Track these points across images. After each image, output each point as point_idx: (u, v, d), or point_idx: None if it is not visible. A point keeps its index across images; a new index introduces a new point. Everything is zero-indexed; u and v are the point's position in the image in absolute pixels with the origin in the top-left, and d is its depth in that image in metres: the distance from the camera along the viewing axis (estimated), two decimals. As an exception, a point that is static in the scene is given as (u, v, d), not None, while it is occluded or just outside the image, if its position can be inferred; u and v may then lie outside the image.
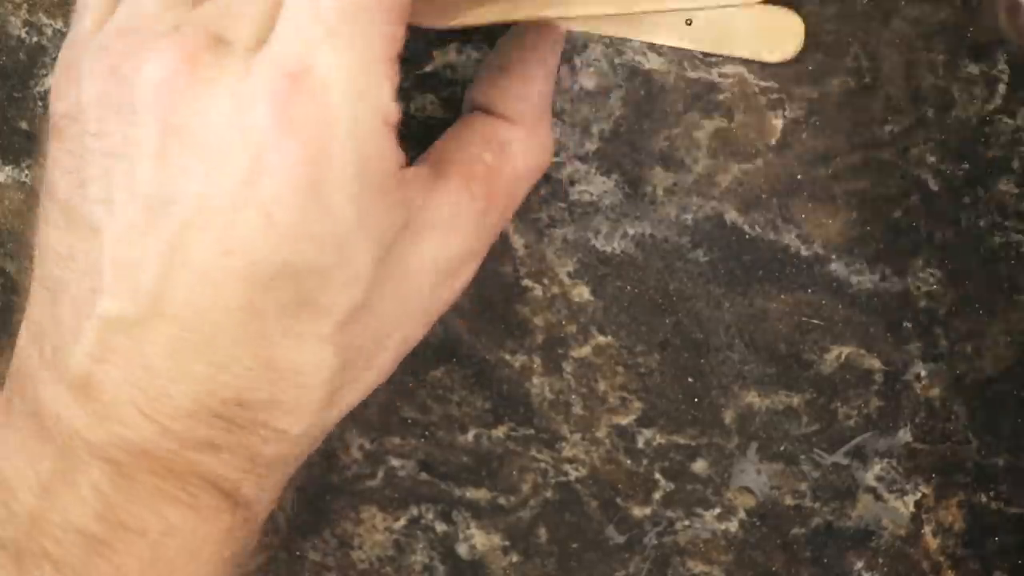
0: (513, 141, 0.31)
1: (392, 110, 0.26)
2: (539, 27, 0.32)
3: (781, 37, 0.34)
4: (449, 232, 0.29)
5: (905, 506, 0.37)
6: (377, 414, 0.37)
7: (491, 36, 0.35)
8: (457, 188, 0.29)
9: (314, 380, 0.27)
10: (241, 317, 0.25)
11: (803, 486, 0.37)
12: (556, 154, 0.36)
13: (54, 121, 0.28)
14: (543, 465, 0.37)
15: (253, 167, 0.25)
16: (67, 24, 0.36)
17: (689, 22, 0.34)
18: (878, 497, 0.37)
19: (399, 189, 0.27)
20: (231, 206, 0.25)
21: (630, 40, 0.35)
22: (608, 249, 0.36)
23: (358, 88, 0.25)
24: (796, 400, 0.37)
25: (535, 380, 0.37)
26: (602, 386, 0.37)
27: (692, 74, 0.35)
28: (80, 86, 0.27)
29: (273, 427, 0.27)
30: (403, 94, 0.35)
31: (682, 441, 0.37)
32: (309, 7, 0.25)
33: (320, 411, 0.27)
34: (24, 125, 0.37)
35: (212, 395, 0.26)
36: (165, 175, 0.25)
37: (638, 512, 0.37)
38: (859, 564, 0.37)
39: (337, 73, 0.25)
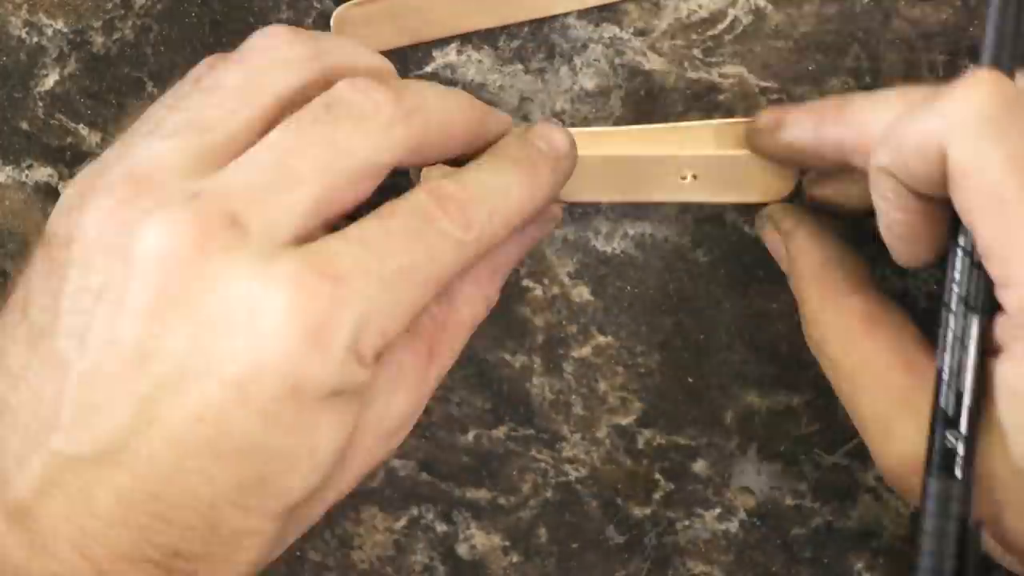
0: (459, 294, 0.31)
1: (372, 358, 0.27)
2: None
3: (774, 180, 0.34)
4: (392, 395, 0.29)
5: (905, 506, 0.37)
6: (377, 414, 0.37)
7: (491, 39, 0.35)
8: (402, 348, 0.29)
9: (250, 544, 0.27)
10: (196, 482, 0.25)
11: (803, 486, 0.37)
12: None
13: (48, 235, 0.27)
14: (543, 465, 0.37)
15: (247, 346, 0.25)
16: (67, 24, 0.36)
17: (684, 177, 0.34)
18: (878, 497, 0.37)
19: (364, 387, 0.27)
20: (213, 376, 0.25)
21: (628, 43, 0.35)
22: (608, 249, 0.36)
23: (374, 310, 0.26)
24: (796, 400, 0.37)
25: (535, 380, 0.37)
26: (602, 386, 0.37)
27: (692, 74, 0.35)
28: (82, 214, 0.26)
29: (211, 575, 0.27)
30: (403, 94, 0.35)
31: (682, 441, 0.37)
32: (373, 247, 0.26)
33: (257, 563, 0.27)
34: (24, 125, 0.37)
35: (150, 543, 0.26)
36: (149, 332, 0.25)
37: (638, 512, 0.37)
38: (859, 564, 0.37)
39: (359, 291, 0.26)
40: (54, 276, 0.26)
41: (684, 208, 0.36)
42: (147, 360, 0.25)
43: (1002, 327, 0.27)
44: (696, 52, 0.35)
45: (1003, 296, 0.27)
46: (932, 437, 0.28)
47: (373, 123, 0.27)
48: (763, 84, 0.35)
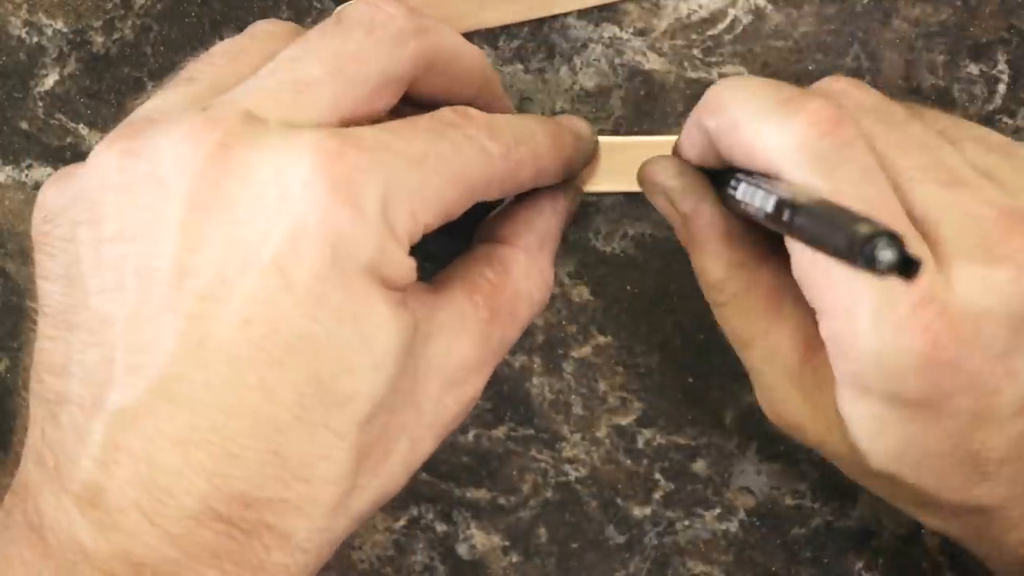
0: (513, 262, 0.31)
1: (406, 238, 0.26)
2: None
3: None
4: (454, 337, 0.28)
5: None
6: (377, 414, 0.37)
7: (491, 39, 0.35)
8: (461, 298, 0.29)
9: (325, 476, 0.25)
10: (256, 400, 0.24)
11: (803, 486, 0.37)
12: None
13: (36, 231, 0.27)
14: (543, 465, 0.37)
15: (281, 222, 0.24)
16: (67, 24, 0.36)
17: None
18: (878, 497, 0.37)
19: (410, 290, 0.27)
20: (252, 268, 0.24)
21: (628, 43, 0.35)
22: (608, 249, 0.36)
23: (405, 201, 0.25)
24: (796, 400, 0.37)
25: (535, 380, 0.37)
26: (602, 386, 0.37)
27: (692, 74, 0.35)
28: (73, 181, 0.26)
29: (279, 530, 0.25)
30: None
31: (682, 441, 0.37)
32: (401, 134, 0.26)
33: (328, 514, 0.26)
34: (24, 125, 0.37)
35: (217, 492, 0.25)
36: (185, 246, 0.24)
37: (638, 512, 0.37)
38: (859, 564, 0.37)
39: (397, 173, 0.25)
40: (62, 252, 0.26)
41: (684, 208, 0.36)
42: (186, 276, 0.24)
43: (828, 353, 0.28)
44: (696, 52, 0.35)
45: (820, 326, 0.28)
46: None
47: (384, 32, 0.27)
48: (763, 84, 0.35)
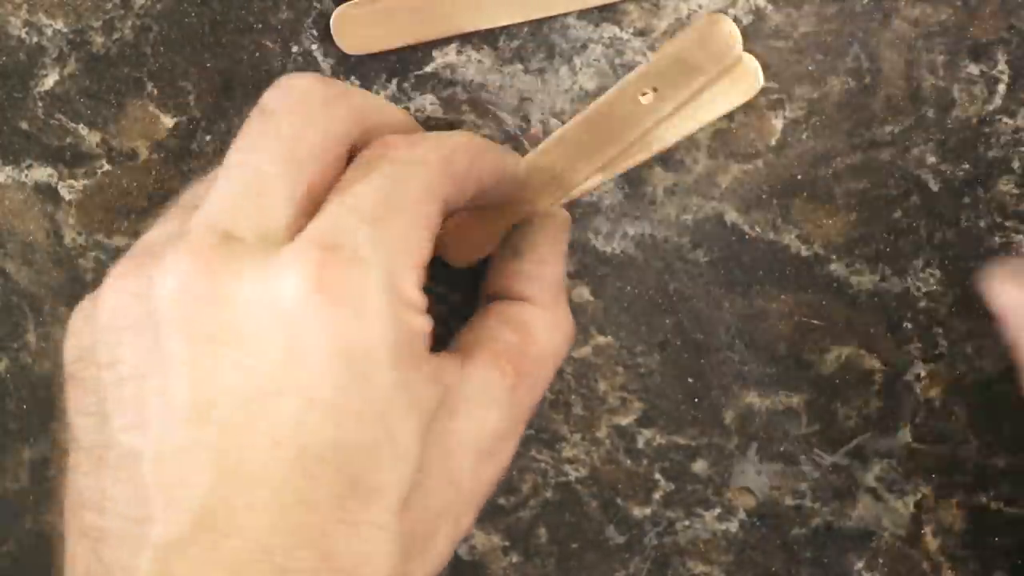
0: (533, 320, 0.31)
1: (418, 295, 0.26)
2: (547, 214, 0.34)
3: (742, 82, 0.34)
4: (483, 409, 0.29)
5: (905, 506, 0.37)
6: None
7: (491, 39, 0.35)
8: (485, 365, 0.29)
9: (376, 570, 0.25)
10: (298, 514, 0.24)
11: (803, 486, 0.37)
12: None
13: (67, 369, 0.27)
14: (543, 465, 0.37)
15: (288, 344, 0.24)
16: (67, 24, 0.36)
17: (645, 94, 0.34)
18: (878, 497, 0.37)
19: (431, 364, 0.27)
20: (271, 393, 0.24)
21: (628, 43, 0.35)
22: (608, 249, 0.36)
23: (393, 263, 0.26)
24: (796, 400, 0.37)
25: (535, 380, 0.37)
26: (602, 386, 0.37)
27: (692, 74, 0.35)
28: (93, 320, 0.26)
29: None
30: (403, 94, 0.35)
31: (682, 441, 0.37)
32: (348, 202, 0.26)
33: None
34: (24, 125, 0.37)
35: None
36: (200, 380, 0.25)
37: (638, 512, 0.37)
38: (859, 564, 0.37)
39: (372, 246, 0.25)
40: (90, 391, 0.26)
41: (684, 208, 0.36)
42: (207, 409, 0.25)
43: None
44: (696, 52, 0.35)
45: None
46: None
47: (310, 105, 0.28)
48: (763, 84, 0.35)
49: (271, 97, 0.28)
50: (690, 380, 0.37)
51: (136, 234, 0.37)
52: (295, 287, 0.25)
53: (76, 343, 0.27)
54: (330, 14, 0.35)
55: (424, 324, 0.27)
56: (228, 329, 0.25)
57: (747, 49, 0.34)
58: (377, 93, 0.35)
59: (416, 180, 0.27)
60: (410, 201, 0.27)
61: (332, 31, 0.35)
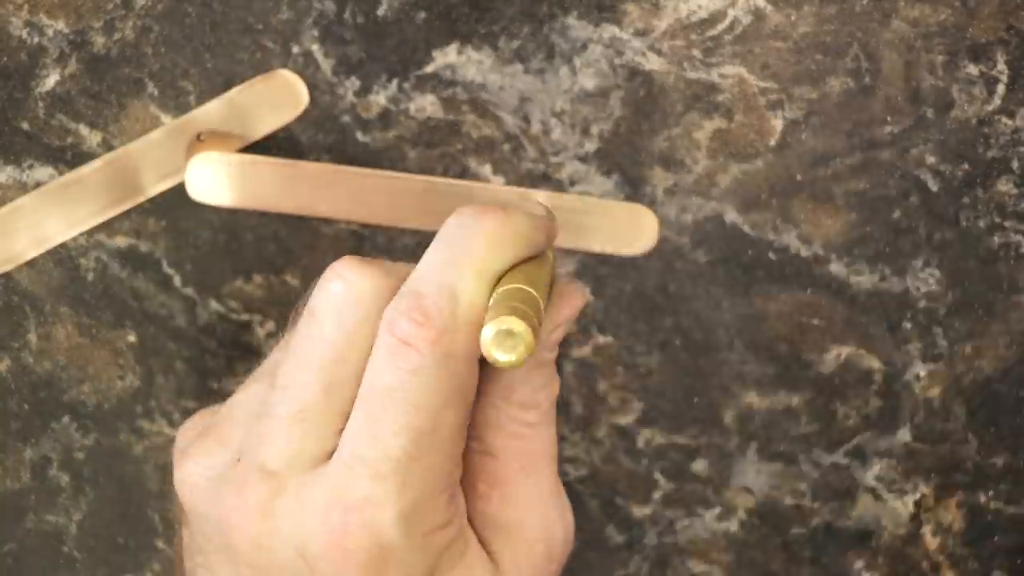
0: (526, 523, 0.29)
1: (443, 514, 0.27)
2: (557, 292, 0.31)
3: (636, 232, 0.35)
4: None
5: (904, 506, 0.37)
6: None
7: (491, 39, 0.35)
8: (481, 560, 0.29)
9: None
10: None
11: (803, 486, 0.37)
12: (556, 154, 0.36)
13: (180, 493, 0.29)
14: (543, 465, 0.37)
15: None
16: (68, 24, 0.36)
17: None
18: (877, 497, 0.37)
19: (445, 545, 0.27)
20: None
21: (628, 43, 0.35)
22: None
23: (413, 524, 0.26)
24: (796, 400, 0.37)
25: (535, 380, 0.37)
26: (602, 386, 0.37)
27: (692, 75, 0.35)
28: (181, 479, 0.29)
29: None
30: (403, 94, 0.35)
31: (682, 441, 0.37)
32: (370, 442, 0.26)
33: None
34: (25, 125, 0.37)
35: None
36: None
37: (638, 512, 0.37)
38: (859, 564, 0.37)
39: (393, 507, 0.26)
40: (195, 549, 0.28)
41: (684, 208, 0.36)
42: None
43: None
44: (696, 52, 0.35)
45: None
46: None
47: (355, 314, 0.27)
48: (763, 84, 0.35)
49: (321, 296, 0.27)
50: (690, 380, 0.37)
51: (138, 234, 0.37)
52: (319, 545, 0.26)
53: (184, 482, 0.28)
54: (330, 14, 0.35)
55: (450, 534, 0.27)
56: (273, 566, 0.26)
57: (747, 50, 0.35)
58: (377, 93, 0.36)
59: (447, 384, 0.26)
60: (441, 404, 0.26)
61: (186, 175, 0.35)
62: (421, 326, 0.25)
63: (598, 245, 0.35)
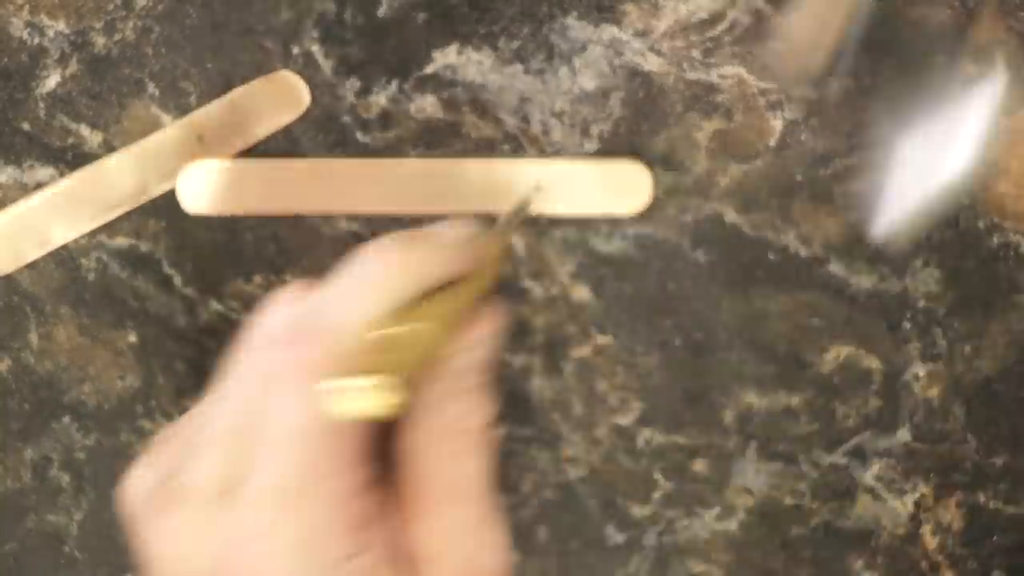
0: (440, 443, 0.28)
1: (357, 570, 0.26)
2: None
3: (630, 190, 0.35)
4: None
5: (904, 506, 0.37)
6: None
7: (491, 40, 0.35)
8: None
9: None
10: None
11: (802, 486, 0.37)
12: (556, 154, 0.36)
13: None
14: (543, 465, 0.37)
15: None
16: (68, 25, 0.36)
17: (538, 188, 0.35)
18: (877, 497, 0.37)
19: None
20: None
21: (628, 44, 0.35)
22: (608, 249, 0.36)
23: (311, 553, 0.26)
24: (796, 400, 0.37)
25: (535, 380, 0.37)
26: (602, 386, 0.37)
27: (691, 75, 0.35)
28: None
29: None
30: (403, 94, 0.36)
31: (682, 441, 0.37)
32: (263, 473, 0.26)
33: None
34: (26, 126, 0.37)
35: None
36: None
37: (638, 512, 0.38)
38: (859, 564, 0.37)
39: (285, 537, 0.26)
40: None
41: (684, 208, 0.36)
42: None
43: None
44: (695, 53, 0.35)
45: None
46: None
47: (287, 381, 0.27)
48: (762, 85, 0.35)
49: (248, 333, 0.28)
50: (690, 380, 0.37)
51: (138, 234, 0.37)
52: (219, 570, 0.26)
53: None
54: (330, 15, 0.35)
55: (362, 564, 0.26)
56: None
57: (746, 50, 0.35)
58: (377, 94, 0.36)
59: (321, 427, 0.26)
60: (327, 471, 0.26)
61: (177, 187, 0.36)
62: (296, 355, 0.26)
63: (593, 208, 0.35)
